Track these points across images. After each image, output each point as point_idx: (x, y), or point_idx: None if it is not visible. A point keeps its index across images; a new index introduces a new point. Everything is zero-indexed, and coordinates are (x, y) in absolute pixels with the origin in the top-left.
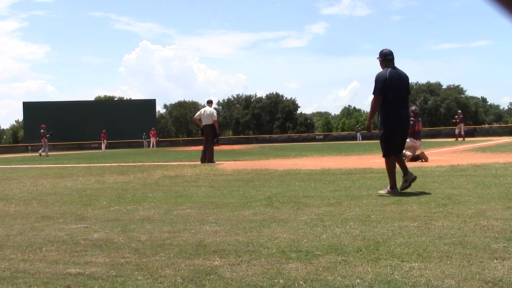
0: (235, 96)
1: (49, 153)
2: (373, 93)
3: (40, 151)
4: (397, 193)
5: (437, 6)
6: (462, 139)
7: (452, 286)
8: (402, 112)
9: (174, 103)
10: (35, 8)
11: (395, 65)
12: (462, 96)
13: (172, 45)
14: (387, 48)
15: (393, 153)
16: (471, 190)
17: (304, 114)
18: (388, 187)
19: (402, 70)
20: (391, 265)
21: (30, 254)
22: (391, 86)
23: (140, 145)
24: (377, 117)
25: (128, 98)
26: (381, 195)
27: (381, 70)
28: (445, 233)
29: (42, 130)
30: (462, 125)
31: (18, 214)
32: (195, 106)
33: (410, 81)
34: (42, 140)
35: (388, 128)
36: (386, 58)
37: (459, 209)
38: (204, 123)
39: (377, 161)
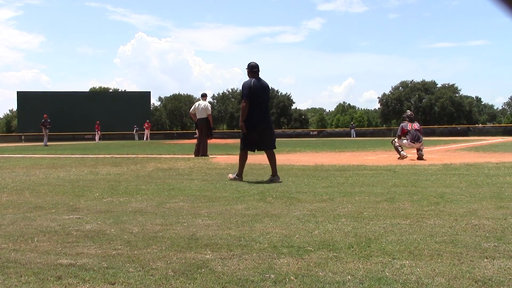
0: (230, 90)
1: (46, 143)
2: (241, 98)
3: (44, 142)
4: (241, 180)
5: (434, 5)
6: None
7: (442, 284)
8: (260, 115)
9: (169, 96)
10: None
11: (259, 76)
12: (457, 95)
13: (168, 38)
14: (254, 62)
15: (249, 148)
16: (463, 189)
17: (299, 109)
18: (236, 174)
19: (265, 80)
20: (382, 262)
21: (21, 244)
22: (253, 93)
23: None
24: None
25: (123, 90)
26: (231, 179)
27: (248, 79)
28: (437, 231)
29: (43, 120)
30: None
31: (10, 204)
32: (190, 100)
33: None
34: (43, 130)
35: (248, 127)
36: (252, 70)
37: (451, 207)
38: (198, 116)
39: (371, 158)
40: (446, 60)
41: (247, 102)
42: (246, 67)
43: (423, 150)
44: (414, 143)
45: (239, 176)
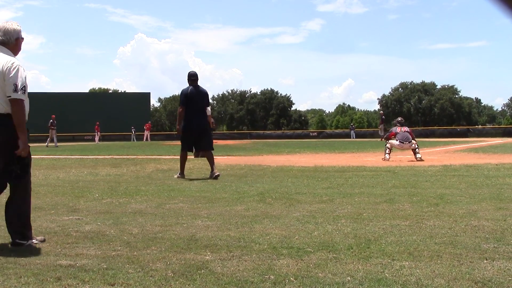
0: (230, 91)
1: (48, 145)
2: (179, 105)
3: (54, 143)
4: (183, 177)
5: (433, 6)
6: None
7: (442, 285)
8: (195, 120)
9: (168, 97)
10: None
11: (198, 83)
12: (456, 96)
13: (167, 39)
14: (193, 71)
15: (187, 149)
16: (463, 190)
17: (298, 111)
18: (179, 173)
19: (203, 87)
20: (382, 263)
21: None
22: (189, 100)
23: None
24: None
25: (122, 91)
26: (176, 178)
27: (186, 87)
28: (436, 233)
29: (51, 120)
30: (384, 126)
31: None
32: None
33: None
34: (50, 131)
35: (183, 131)
36: (190, 78)
37: (451, 209)
38: None
39: (370, 159)
40: (445, 61)
41: (183, 108)
42: (187, 76)
43: (419, 152)
44: (403, 143)
45: (181, 175)
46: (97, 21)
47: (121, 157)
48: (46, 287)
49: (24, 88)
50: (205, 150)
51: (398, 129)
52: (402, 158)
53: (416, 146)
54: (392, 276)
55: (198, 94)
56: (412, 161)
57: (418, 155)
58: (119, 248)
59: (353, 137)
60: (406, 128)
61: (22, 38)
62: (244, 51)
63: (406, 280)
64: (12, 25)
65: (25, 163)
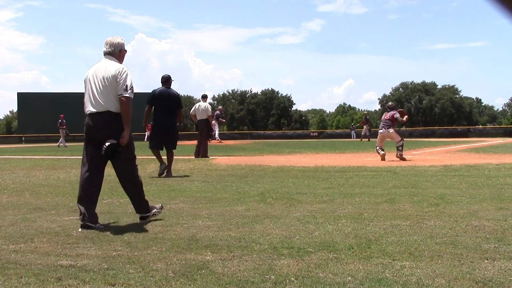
0: (230, 92)
1: (60, 144)
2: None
3: (62, 143)
4: (164, 167)
5: (433, 6)
6: (367, 140)
7: (442, 285)
8: (164, 119)
9: None
10: None
11: (171, 86)
12: (457, 96)
13: (168, 39)
14: (166, 74)
15: (153, 147)
16: (463, 190)
17: (299, 111)
18: (159, 166)
19: (174, 89)
20: (383, 263)
21: (21, 245)
22: (157, 100)
23: (138, 139)
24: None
25: None
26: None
27: (157, 88)
28: (437, 233)
29: (59, 120)
30: (367, 126)
31: (10, 205)
32: (190, 101)
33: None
34: (60, 131)
35: (153, 128)
36: (162, 81)
37: (451, 209)
38: (198, 118)
39: (371, 159)
40: (446, 61)
41: (148, 107)
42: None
43: (402, 149)
44: (381, 130)
45: (162, 163)
46: (98, 21)
47: None
48: (46, 287)
49: (132, 88)
50: (168, 149)
51: (384, 116)
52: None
53: (400, 144)
54: (393, 276)
55: (167, 96)
56: (412, 161)
57: (399, 152)
58: (120, 248)
59: (353, 137)
60: (389, 115)
61: (125, 50)
62: (245, 51)
63: (406, 280)
64: (117, 39)
65: (115, 147)
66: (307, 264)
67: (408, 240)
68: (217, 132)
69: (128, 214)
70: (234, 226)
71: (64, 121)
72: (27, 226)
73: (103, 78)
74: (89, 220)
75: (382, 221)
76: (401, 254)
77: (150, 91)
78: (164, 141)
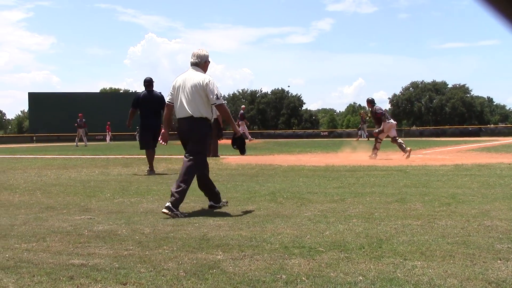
0: (241, 91)
1: (86, 143)
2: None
3: (84, 142)
4: (152, 174)
5: (444, 5)
6: (366, 139)
7: (454, 285)
8: (151, 120)
9: None
10: None
11: (153, 88)
12: (468, 95)
13: (178, 39)
14: (148, 77)
15: (145, 147)
16: (475, 190)
17: (309, 110)
18: (148, 167)
19: (158, 92)
20: (394, 263)
21: (34, 244)
22: (143, 103)
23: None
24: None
25: (133, 91)
26: (147, 174)
27: (141, 91)
28: (449, 232)
29: (78, 119)
30: (365, 125)
31: (22, 204)
32: None
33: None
34: (78, 130)
35: (141, 130)
36: (144, 84)
37: (463, 208)
38: None
39: (381, 159)
40: (456, 60)
41: (133, 109)
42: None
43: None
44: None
45: (149, 171)
46: (108, 21)
47: (132, 156)
48: (58, 286)
49: (221, 95)
50: (154, 147)
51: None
52: (414, 158)
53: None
54: (404, 276)
55: (151, 98)
56: (423, 160)
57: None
58: (131, 247)
59: (363, 137)
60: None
61: (209, 61)
62: (254, 51)
63: (418, 280)
64: (203, 52)
65: (242, 140)
66: (318, 264)
67: (420, 240)
68: (246, 132)
69: (139, 213)
70: (245, 226)
71: (83, 120)
72: (39, 225)
73: (191, 87)
74: (215, 201)
75: (393, 220)
76: (412, 253)
77: (135, 96)
78: (152, 140)
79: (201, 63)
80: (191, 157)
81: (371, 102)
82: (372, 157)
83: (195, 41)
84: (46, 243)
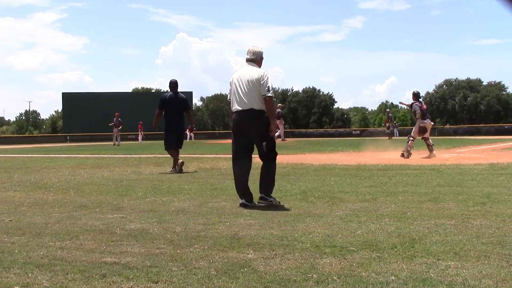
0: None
1: (119, 143)
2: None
3: (114, 141)
4: (176, 172)
5: (478, 0)
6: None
7: (490, 286)
8: (176, 121)
9: (210, 96)
10: (74, 0)
11: (179, 89)
12: (504, 93)
13: (209, 38)
14: (174, 79)
15: (170, 147)
16: (511, 189)
17: (341, 109)
18: (172, 167)
19: (182, 94)
20: (427, 263)
21: (67, 242)
22: (167, 104)
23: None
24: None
25: (165, 90)
26: (170, 172)
27: (166, 93)
28: (483, 232)
29: (114, 119)
30: (389, 124)
31: (56, 203)
32: None
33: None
34: (114, 129)
35: (166, 131)
36: (170, 86)
37: (498, 208)
38: None
39: (415, 157)
40: (492, 57)
41: (159, 110)
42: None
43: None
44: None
45: (174, 168)
46: (139, 21)
47: (164, 156)
48: (91, 283)
49: (273, 88)
50: (180, 148)
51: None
52: (448, 157)
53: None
54: (438, 276)
55: (176, 100)
56: (457, 159)
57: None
58: (163, 246)
59: (396, 135)
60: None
61: (263, 58)
62: (286, 50)
63: (452, 281)
64: (258, 49)
65: (272, 141)
66: (349, 263)
67: (453, 240)
68: (281, 132)
69: (170, 212)
70: (276, 225)
71: (119, 119)
72: (72, 223)
73: (248, 81)
74: (247, 200)
75: (426, 220)
76: (446, 253)
77: (160, 97)
78: (177, 141)
79: (257, 59)
80: (271, 154)
81: (415, 95)
82: (405, 155)
83: (225, 40)
84: (79, 241)
